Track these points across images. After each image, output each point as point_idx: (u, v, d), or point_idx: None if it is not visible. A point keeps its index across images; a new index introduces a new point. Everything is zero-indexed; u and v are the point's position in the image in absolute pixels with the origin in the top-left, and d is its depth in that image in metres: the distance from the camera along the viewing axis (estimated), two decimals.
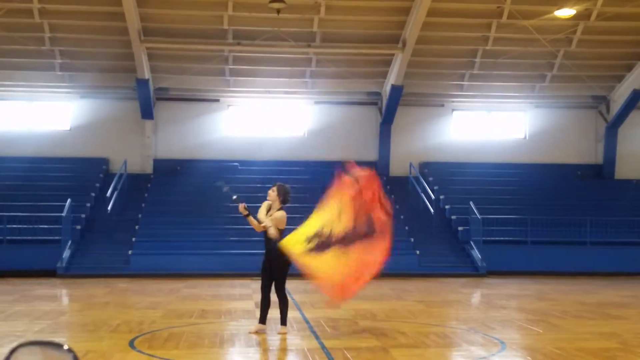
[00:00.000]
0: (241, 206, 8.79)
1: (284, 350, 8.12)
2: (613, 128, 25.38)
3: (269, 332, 8.89)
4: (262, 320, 8.89)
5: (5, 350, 1.37)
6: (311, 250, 8.25)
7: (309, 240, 8.30)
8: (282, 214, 8.72)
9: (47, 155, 23.84)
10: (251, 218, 8.84)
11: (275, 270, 8.69)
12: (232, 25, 21.97)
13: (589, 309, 12.07)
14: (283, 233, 8.77)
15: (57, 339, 6.64)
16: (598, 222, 21.62)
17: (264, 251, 8.92)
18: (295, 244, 8.35)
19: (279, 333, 8.71)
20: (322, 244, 8.28)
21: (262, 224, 8.71)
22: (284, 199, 8.83)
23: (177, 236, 20.55)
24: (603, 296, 14.66)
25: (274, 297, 8.81)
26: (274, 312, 8.98)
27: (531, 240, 21.23)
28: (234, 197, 9.10)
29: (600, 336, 8.94)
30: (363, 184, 8.65)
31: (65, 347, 1.15)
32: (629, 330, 9.43)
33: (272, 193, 8.88)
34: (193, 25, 22.08)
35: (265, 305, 8.85)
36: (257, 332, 8.78)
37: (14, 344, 1.13)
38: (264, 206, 8.90)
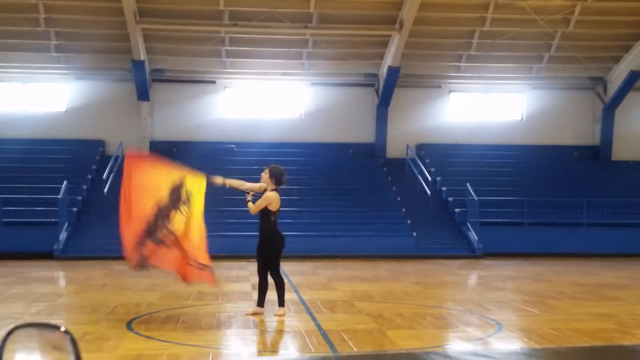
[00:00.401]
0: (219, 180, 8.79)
1: (280, 331, 8.14)
2: (610, 109, 25.37)
3: (266, 314, 8.91)
4: (260, 303, 8.89)
5: (2, 332, 1.37)
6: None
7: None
8: (273, 194, 8.71)
9: (43, 137, 23.78)
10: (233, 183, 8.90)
11: (266, 254, 8.69)
12: (229, 6, 21.86)
13: (586, 290, 12.11)
14: (278, 215, 8.78)
15: (54, 321, 6.65)
16: (595, 204, 21.66)
17: (258, 233, 8.91)
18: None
19: (276, 314, 8.72)
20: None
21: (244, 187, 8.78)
22: (277, 180, 8.80)
23: None
24: (599, 277, 14.70)
25: (271, 280, 8.81)
26: (272, 295, 8.99)
27: (528, 221, 21.26)
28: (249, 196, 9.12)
29: (596, 317, 8.97)
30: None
31: (62, 328, 1.14)
32: (625, 312, 9.46)
33: (265, 175, 8.86)
34: (189, 6, 21.97)
35: (262, 288, 8.85)
36: (254, 314, 8.79)
37: (11, 326, 1.13)
38: (256, 186, 8.91)
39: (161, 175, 8.63)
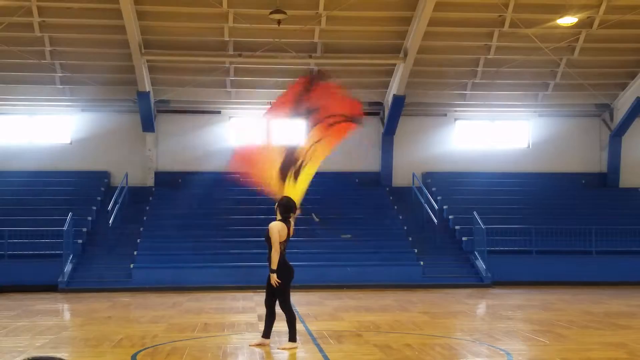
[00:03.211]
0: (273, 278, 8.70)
1: None
2: (617, 136, 25.36)
3: (272, 345, 8.86)
4: (266, 334, 8.83)
5: None
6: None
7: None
8: (274, 224, 8.70)
9: (48, 169, 23.89)
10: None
11: (274, 286, 8.59)
12: (233, 37, 22.03)
13: (596, 319, 12.01)
14: (287, 245, 8.77)
15: (59, 354, 6.60)
16: (603, 231, 21.54)
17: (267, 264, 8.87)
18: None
19: (283, 348, 8.62)
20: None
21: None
22: (282, 210, 8.82)
23: (180, 249, 20.51)
24: (610, 306, 14.59)
25: (279, 310, 8.75)
26: (278, 326, 8.94)
27: (536, 250, 21.16)
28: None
29: (607, 346, 8.89)
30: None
31: None
32: (636, 340, 9.38)
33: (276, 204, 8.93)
34: (193, 37, 22.15)
35: (268, 319, 8.80)
36: (258, 345, 8.71)
37: (17, 358, 1.12)
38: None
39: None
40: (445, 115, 25.41)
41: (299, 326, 10.49)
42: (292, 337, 8.69)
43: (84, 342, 9.87)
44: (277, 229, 8.59)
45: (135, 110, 23.81)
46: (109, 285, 19.08)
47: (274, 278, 8.49)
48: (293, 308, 8.91)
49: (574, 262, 20.89)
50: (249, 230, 19.99)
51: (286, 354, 8.44)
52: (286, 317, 8.66)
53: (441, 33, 22.17)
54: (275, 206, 8.87)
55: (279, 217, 8.77)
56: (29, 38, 21.73)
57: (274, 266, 8.50)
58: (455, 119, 25.56)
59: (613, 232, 21.62)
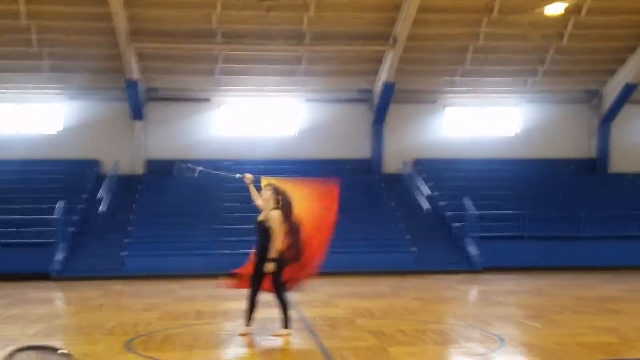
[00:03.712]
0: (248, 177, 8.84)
1: (282, 350, 8.06)
2: (606, 122, 25.45)
3: (266, 332, 8.83)
4: (248, 321, 8.69)
5: (1, 355, 1.32)
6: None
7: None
8: (277, 214, 8.56)
9: (38, 158, 23.75)
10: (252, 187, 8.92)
11: (268, 274, 8.49)
12: (221, 24, 21.91)
13: (588, 304, 12.05)
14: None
15: (52, 343, 6.56)
16: (593, 217, 21.65)
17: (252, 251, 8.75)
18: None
19: (274, 334, 8.56)
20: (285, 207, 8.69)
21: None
22: (279, 199, 8.68)
23: (171, 237, 20.46)
24: (601, 291, 14.65)
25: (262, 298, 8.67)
26: (275, 313, 8.90)
27: (527, 235, 21.23)
28: (198, 170, 9.28)
29: (599, 331, 8.91)
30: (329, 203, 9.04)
31: (61, 350, 1.11)
32: (628, 325, 9.41)
33: (268, 192, 8.70)
34: (182, 25, 22.02)
35: (251, 307, 8.62)
36: (245, 334, 8.61)
37: (9, 349, 1.09)
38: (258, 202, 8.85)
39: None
40: (435, 102, 25.40)
41: (293, 313, 10.48)
42: (285, 324, 8.64)
43: (76, 330, 9.83)
44: (279, 218, 8.49)
45: (124, 98, 23.69)
46: (101, 273, 19.02)
47: (271, 267, 8.42)
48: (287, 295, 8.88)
49: (564, 247, 20.99)
50: (241, 218, 19.95)
51: (280, 340, 8.42)
52: (280, 304, 8.61)
53: (430, 20, 22.12)
54: (270, 193, 8.68)
55: (274, 205, 8.63)
56: (16, 26, 21.54)
57: (275, 255, 8.43)
58: (445, 106, 25.55)
59: (603, 218, 21.72)
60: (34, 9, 21.03)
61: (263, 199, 8.72)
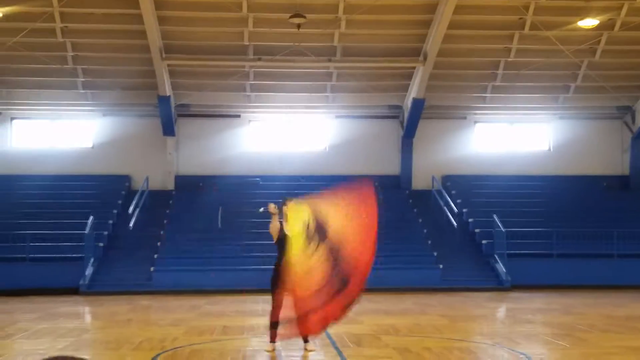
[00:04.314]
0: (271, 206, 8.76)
1: None
2: (639, 138, 25.13)
3: (293, 348, 8.85)
4: (273, 338, 8.70)
5: None
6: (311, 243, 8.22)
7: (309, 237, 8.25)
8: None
9: (70, 173, 24.04)
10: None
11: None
12: (253, 41, 22.09)
13: (617, 323, 11.90)
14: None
15: (80, 355, 6.65)
16: (625, 234, 21.37)
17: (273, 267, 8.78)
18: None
19: (309, 350, 8.57)
20: (319, 230, 8.23)
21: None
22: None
23: (200, 252, 20.58)
24: (631, 310, 14.46)
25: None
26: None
27: (557, 253, 21.01)
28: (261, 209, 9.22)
29: (629, 350, 8.81)
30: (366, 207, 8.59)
31: None
32: None
33: (275, 208, 8.85)
34: (214, 41, 22.23)
35: (278, 323, 8.63)
36: (271, 351, 8.61)
37: (40, 359, 1.14)
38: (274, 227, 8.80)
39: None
40: (465, 118, 25.31)
41: None
42: (308, 339, 8.65)
43: (104, 344, 9.94)
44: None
45: (156, 115, 23.92)
46: (129, 288, 19.16)
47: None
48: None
49: (595, 265, 20.73)
50: (269, 234, 19.96)
51: (303, 356, 8.43)
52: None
53: (461, 36, 22.11)
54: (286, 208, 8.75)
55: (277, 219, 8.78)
56: (52, 43, 21.92)
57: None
58: (475, 122, 25.45)
59: (635, 235, 21.43)
60: (69, 27, 21.38)
61: (275, 215, 8.78)
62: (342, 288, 8.18)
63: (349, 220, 8.50)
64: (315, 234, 8.25)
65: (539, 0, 20.77)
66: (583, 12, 20.69)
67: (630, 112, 25.23)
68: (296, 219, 8.33)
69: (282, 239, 8.65)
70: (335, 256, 8.24)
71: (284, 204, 8.74)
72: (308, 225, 8.31)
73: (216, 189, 8.80)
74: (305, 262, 8.10)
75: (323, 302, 8.04)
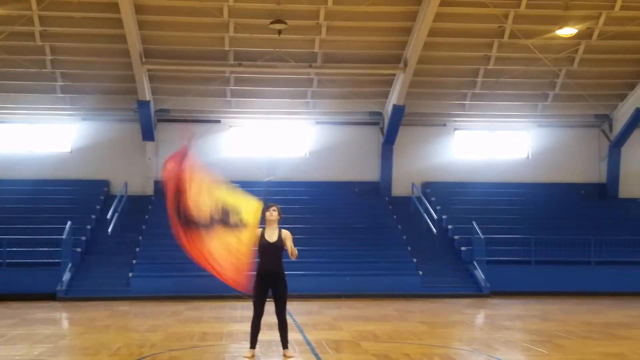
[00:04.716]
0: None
1: None
2: (616, 147, 25.36)
3: (272, 355, 8.82)
4: (252, 344, 8.64)
5: None
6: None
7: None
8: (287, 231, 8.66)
9: (48, 178, 23.87)
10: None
11: (280, 294, 8.45)
12: (233, 47, 22.06)
13: (595, 330, 11.97)
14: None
15: None
16: (602, 242, 21.54)
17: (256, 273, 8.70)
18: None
19: (289, 357, 8.54)
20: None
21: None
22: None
23: (179, 258, 20.26)
24: (609, 316, 14.55)
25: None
26: (268, 335, 8.89)
27: (535, 260, 21.14)
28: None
29: (607, 357, 8.85)
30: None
31: None
32: (636, 351, 9.34)
33: (275, 213, 8.71)
34: (194, 46, 22.17)
35: (258, 330, 8.56)
36: (249, 357, 8.55)
37: None
38: (258, 233, 8.68)
39: (215, 190, 8.53)
40: (445, 125, 25.42)
41: (297, 336, 10.48)
42: (287, 344, 8.61)
43: (82, 350, 9.84)
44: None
45: (135, 119, 23.83)
46: (107, 294, 19.04)
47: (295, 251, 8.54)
48: (289, 316, 8.85)
49: (573, 272, 20.86)
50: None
51: None
52: (285, 324, 8.59)
53: (441, 43, 22.21)
54: (277, 214, 8.69)
55: (278, 224, 8.68)
56: (30, 47, 21.76)
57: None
58: (455, 129, 25.56)
59: (612, 243, 21.63)
60: (48, 31, 21.25)
61: (273, 220, 8.66)
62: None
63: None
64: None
65: (518, 9, 20.92)
66: (561, 21, 20.86)
67: (608, 121, 25.47)
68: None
69: (264, 247, 8.53)
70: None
71: (266, 210, 8.67)
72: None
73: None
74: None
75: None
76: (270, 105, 24.41)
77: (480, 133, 25.80)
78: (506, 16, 21.21)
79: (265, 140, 25.07)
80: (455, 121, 25.40)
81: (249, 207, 8.32)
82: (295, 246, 8.55)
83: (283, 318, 8.55)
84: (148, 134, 23.84)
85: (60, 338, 11.31)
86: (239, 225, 8.17)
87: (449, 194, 24.54)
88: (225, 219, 8.21)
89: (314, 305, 16.95)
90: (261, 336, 8.73)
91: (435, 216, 22.82)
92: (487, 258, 20.58)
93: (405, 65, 22.07)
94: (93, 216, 22.54)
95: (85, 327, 12.78)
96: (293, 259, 8.55)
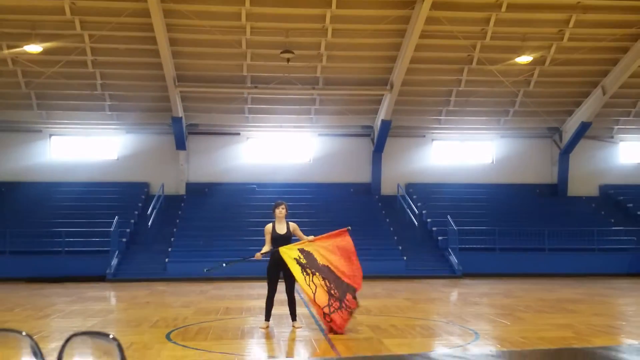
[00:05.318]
0: (258, 255, 8.66)
1: (294, 340, 8.06)
2: (565, 154, 25.35)
3: (283, 326, 8.82)
4: (267, 317, 8.69)
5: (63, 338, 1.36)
6: (301, 262, 8.25)
7: (300, 253, 8.34)
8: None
9: (99, 181, 23.89)
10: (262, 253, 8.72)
11: (289, 275, 8.47)
12: (250, 72, 22.08)
13: (548, 305, 11.96)
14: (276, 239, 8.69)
15: (104, 331, 6.61)
16: (554, 232, 21.53)
17: (268, 258, 8.75)
18: (291, 251, 8.39)
19: (298, 327, 8.57)
20: (309, 262, 8.27)
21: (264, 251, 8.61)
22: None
23: (206, 246, 20.48)
24: (560, 293, 14.53)
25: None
26: (280, 310, 8.89)
27: (499, 247, 21.12)
28: (224, 264, 9.21)
29: (558, 327, 8.85)
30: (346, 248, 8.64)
31: (111, 336, 1.14)
32: (581, 322, 9.34)
33: (283, 211, 8.74)
34: (218, 72, 22.19)
35: (272, 305, 8.61)
36: (265, 328, 8.59)
37: (69, 334, 1.13)
38: (266, 232, 8.73)
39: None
40: (424, 136, 25.41)
41: (304, 310, 10.47)
42: (296, 317, 8.64)
43: (126, 323, 9.85)
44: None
45: (170, 132, 23.84)
46: (147, 276, 19.04)
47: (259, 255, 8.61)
48: (298, 294, 8.86)
49: (530, 257, 20.85)
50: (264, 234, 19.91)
51: (292, 332, 8.41)
52: (295, 300, 8.62)
53: (421, 69, 22.21)
54: (285, 210, 8.76)
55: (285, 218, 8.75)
56: (84, 73, 21.80)
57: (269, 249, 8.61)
58: (433, 139, 25.55)
59: (562, 233, 21.61)
60: (99, 60, 21.28)
61: (281, 216, 8.73)
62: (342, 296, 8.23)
63: (332, 252, 8.53)
64: (307, 265, 8.26)
65: (484, 40, 20.92)
66: (520, 51, 20.86)
67: (558, 133, 25.44)
68: (288, 258, 8.34)
69: (276, 238, 8.59)
70: (329, 277, 8.29)
71: (276, 207, 8.71)
72: (299, 259, 8.30)
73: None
74: (308, 286, 8.17)
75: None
76: (281, 120, 24.42)
77: (453, 143, 25.78)
78: (474, 46, 21.20)
79: (277, 149, 25.09)
80: (433, 133, 25.39)
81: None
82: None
83: (292, 295, 8.59)
84: (180, 144, 23.85)
85: (109, 312, 11.33)
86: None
87: (428, 193, 24.53)
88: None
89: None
90: (274, 310, 8.76)
91: (416, 211, 22.81)
92: (460, 246, 20.57)
93: (392, 87, 22.06)
94: (136, 212, 22.55)
95: (129, 304, 12.79)
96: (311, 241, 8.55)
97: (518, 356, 1.76)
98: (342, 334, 8.04)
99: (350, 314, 8.23)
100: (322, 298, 8.12)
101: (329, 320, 8.06)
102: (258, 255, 8.65)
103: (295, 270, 8.25)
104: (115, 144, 24.56)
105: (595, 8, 19.78)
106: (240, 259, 9.37)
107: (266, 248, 8.61)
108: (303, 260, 8.32)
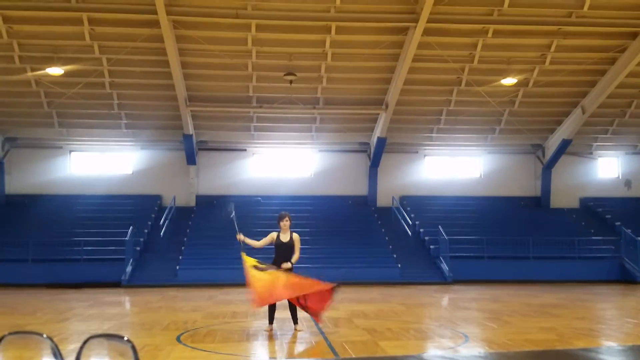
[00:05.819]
0: (240, 237, 8.69)
1: (295, 342, 8.02)
2: (548, 169, 25.35)
3: (285, 329, 8.78)
4: (270, 320, 8.68)
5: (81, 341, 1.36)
6: (259, 267, 8.44)
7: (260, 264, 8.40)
8: (297, 235, 8.74)
9: (114, 193, 23.89)
10: (247, 241, 8.75)
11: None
12: (256, 93, 22.14)
13: (533, 309, 11.91)
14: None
15: (119, 333, 6.59)
16: (538, 241, 21.48)
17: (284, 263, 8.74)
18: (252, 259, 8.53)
19: (298, 330, 8.55)
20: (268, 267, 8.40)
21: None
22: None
23: (215, 254, 20.42)
24: (543, 299, 14.48)
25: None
26: (282, 314, 8.87)
27: (487, 255, 21.07)
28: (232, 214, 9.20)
29: (542, 330, 8.81)
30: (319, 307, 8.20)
31: (125, 338, 1.14)
32: (564, 325, 9.30)
33: (287, 223, 8.79)
34: (226, 93, 22.25)
35: (274, 309, 8.64)
36: (268, 331, 8.57)
37: (87, 336, 1.13)
38: (267, 240, 8.78)
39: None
40: (417, 152, 25.43)
41: (305, 314, 10.40)
42: (297, 321, 8.62)
43: (140, 325, 9.82)
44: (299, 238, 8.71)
45: (181, 148, 23.87)
46: (160, 282, 18.98)
47: (288, 265, 8.55)
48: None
49: (515, 265, 20.79)
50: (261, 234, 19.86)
51: (293, 334, 8.37)
52: (293, 306, 8.59)
53: (414, 90, 22.27)
54: (289, 222, 8.79)
55: (289, 230, 8.75)
56: (101, 94, 21.86)
57: (295, 261, 8.58)
58: (425, 155, 25.57)
59: (545, 242, 21.56)
60: (116, 81, 21.35)
61: (286, 228, 8.75)
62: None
63: (301, 280, 8.35)
64: (265, 268, 8.40)
65: (472, 63, 20.99)
66: (505, 73, 20.92)
67: (541, 149, 25.46)
68: (249, 265, 8.37)
69: (279, 245, 8.64)
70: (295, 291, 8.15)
71: (280, 219, 8.75)
72: (257, 265, 8.51)
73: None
74: (262, 277, 8.20)
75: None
76: (284, 137, 24.46)
77: (444, 158, 25.80)
78: (463, 69, 21.28)
79: (280, 164, 25.10)
80: (425, 149, 25.42)
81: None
82: (301, 246, 8.70)
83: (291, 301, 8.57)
84: (191, 159, 23.87)
85: (124, 316, 11.29)
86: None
87: (420, 205, 24.51)
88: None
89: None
90: (277, 314, 8.73)
91: (410, 222, 22.78)
92: (450, 254, 20.53)
93: (387, 106, 22.11)
94: (149, 223, 22.53)
95: (142, 308, 12.74)
96: (293, 261, 8.57)
97: (505, 358, 1.75)
98: (324, 311, 8.04)
99: (330, 293, 8.04)
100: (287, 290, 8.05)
101: (304, 304, 8.02)
102: (240, 237, 8.63)
103: (253, 274, 8.21)
104: (130, 159, 24.58)
105: (575, 34, 19.87)
106: (238, 230, 9.29)
107: (252, 243, 8.68)
108: (262, 265, 8.33)
